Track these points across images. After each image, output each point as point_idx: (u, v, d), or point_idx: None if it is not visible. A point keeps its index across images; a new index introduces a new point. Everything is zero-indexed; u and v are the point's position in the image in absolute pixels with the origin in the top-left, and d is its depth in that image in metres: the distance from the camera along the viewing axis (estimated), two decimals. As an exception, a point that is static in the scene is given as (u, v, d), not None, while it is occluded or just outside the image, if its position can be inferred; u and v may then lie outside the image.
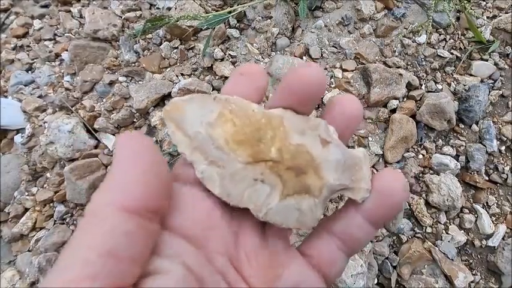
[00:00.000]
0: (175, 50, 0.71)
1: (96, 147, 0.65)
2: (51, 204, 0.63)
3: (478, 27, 0.73)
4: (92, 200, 0.16)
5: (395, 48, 0.72)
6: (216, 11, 0.71)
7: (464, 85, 0.70)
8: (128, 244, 0.15)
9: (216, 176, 0.19)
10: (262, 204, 0.19)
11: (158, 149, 0.19)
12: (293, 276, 0.20)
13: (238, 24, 0.73)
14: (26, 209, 0.63)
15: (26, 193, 0.64)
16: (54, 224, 0.62)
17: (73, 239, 0.15)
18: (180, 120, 0.20)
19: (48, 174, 0.64)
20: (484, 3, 0.77)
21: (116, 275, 0.14)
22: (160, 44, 0.71)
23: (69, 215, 0.63)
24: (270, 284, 0.20)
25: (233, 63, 0.70)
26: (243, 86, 0.21)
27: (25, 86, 0.69)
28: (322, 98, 0.67)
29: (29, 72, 0.70)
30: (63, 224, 0.63)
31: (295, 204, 0.20)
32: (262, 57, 0.71)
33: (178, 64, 0.71)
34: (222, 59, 0.70)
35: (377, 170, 0.65)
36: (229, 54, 0.70)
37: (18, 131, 0.67)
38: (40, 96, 0.68)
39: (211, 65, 0.70)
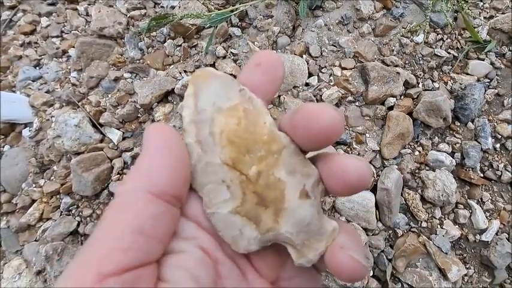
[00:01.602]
0: (178, 48, 0.73)
1: (101, 141, 0.67)
2: (58, 195, 0.65)
3: (475, 27, 0.75)
4: (124, 183, 0.18)
5: (393, 47, 0.74)
6: (219, 9, 0.73)
7: (461, 84, 0.71)
8: (155, 225, 0.17)
9: (195, 155, 0.19)
10: (214, 205, 0.19)
11: (183, 141, 0.19)
12: (293, 265, 0.21)
13: (240, 22, 0.75)
14: (33, 200, 0.65)
15: (34, 185, 0.66)
16: (61, 215, 0.65)
17: (106, 217, 0.17)
18: (199, 89, 0.20)
19: (55, 167, 0.66)
20: (481, 3, 0.79)
21: (144, 251, 0.16)
22: (164, 41, 0.73)
23: (75, 206, 0.65)
24: (275, 270, 0.22)
25: (235, 61, 0.72)
26: (257, 77, 0.20)
27: (33, 81, 0.71)
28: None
29: (37, 68, 0.73)
30: (69, 215, 0.65)
31: (240, 224, 0.19)
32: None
33: (181, 61, 0.73)
34: (224, 57, 0.72)
35: (374, 166, 0.67)
36: (231, 52, 0.72)
37: (26, 124, 0.69)
38: (48, 92, 0.70)
39: (214, 62, 0.71)
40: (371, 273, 0.62)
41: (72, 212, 0.65)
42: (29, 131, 0.68)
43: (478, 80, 0.73)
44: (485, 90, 0.71)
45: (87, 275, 0.15)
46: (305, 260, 0.19)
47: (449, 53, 0.74)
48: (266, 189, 0.19)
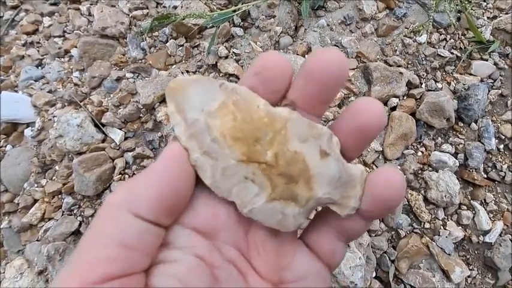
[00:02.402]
0: (180, 48, 0.73)
1: (103, 141, 0.67)
2: (60, 195, 0.65)
3: (478, 28, 0.74)
4: (113, 194, 0.18)
5: (396, 48, 0.74)
6: (221, 9, 0.73)
7: (464, 84, 0.71)
8: (138, 240, 0.17)
9: (208, 167, 0.19)
10: (248, 202, 0.20)
11: (187, 161, 0.19)
12: (299, 266, 0.21)
13: (242, 22, 0.75)
14: (35, 200, 0.65)
15: (36, 185, 0.66)
16: (62, 215, 0.64)
17: (92, 227, 0.17)
18: (181, 102, 0.19)
19: (57, 167, 0.66)
20: (485, 3, 0.78)
21: (128, 262, 0.17)
22: (167, 41, 0.73)
23: (77, 206, 0.65)
24: (277, 273, 0.21)
25: (237, 61, 0.72)
26: (256, 88, 0.19)
27: (35, 81, 0.71)
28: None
29: (39, 67, 0.73)
30: (71, 215, 0.65)
31: (280, 208, 0.20)
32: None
33: (183, 61, 0.73)
34: (226, 57, 0.72)
35: (376, 167, 0.67)
36: (233, 52, 0.72)
37: (28, 124, 0.69)
38: (50, 91, 0.70)
39: (216, 62, 0.71)
40: (373, 275, 0.62)
41: (74, 212, 0.65)
42: (31, 130, 0.68)
43: (482, 81, 0.72)
44: (489, 91, 0.71)
45: (70, 284, 0.15)
46: (349, 209, 0.20)
47: (452, 53, 0.73)
48: (289, 166, 0.19)
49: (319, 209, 0.23)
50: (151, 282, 0.17)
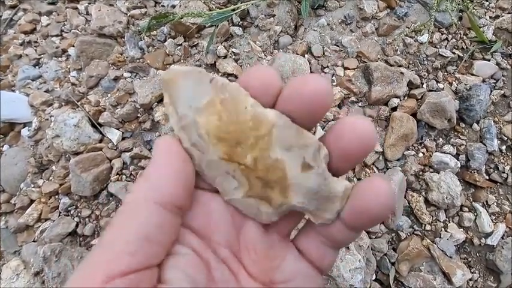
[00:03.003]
0: (179, 47, 0.72)
1: (100, 141, 0.67)
2: (57, 196, 0.65)
3: (480, 27, 0.73)
4: (132, 192, 0.19)
5: (397, 47, 0.73)
6: (220, 8, 0.72)
7: (466, 84, 0.70)
8: (159, 232, 0.18)
9: (196, 157, 0.21)
10: (229, 192, 0.21)
11: (187, 155, 0.20)
12: (289, 267, 0.22)
13: (241, 22, 0.74)
14: (32, 201, 0.65)
15: (32, 185, 0.65)
16: (59, 215, 0.64)
17: (114, 223, 0.18)
18: (173, 95, 0.20)
19: (53, 167, 0.66)
20: (487, 3, 0.77)
21: (148, 255, 0.18)
22: (165, 40, 0.72)
23: (74, 207, 0.64)
24: (268, 274, 0.21)
25: (236, 60, 0.71)
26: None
27: (32, 80, 0.70)
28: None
29: (36, 67, 0.72)
30: (68, 215, 0.64)
31: (255, 204, 0.21)
32: (265, 55, 0.72)
33: (182, 61, 0.72)
34: (225, 56, 0.71)
35: (377, 168, 0.66)
36: (232, 52, 0.71)
37: (25, 124, 0.68)
38: (47, 91, 0.69)
39: (214, 61, 0.71)
40: (373, 277, 0.61)
41: (71, 212, 0.64)
42: (28, 130, 0.67)
43: (484, 81, 0.71)
44: (491, 91, 0.70)
45: (95, 276, 0.16)
46: (323, 220, 0.20)
47: (454, 53, 0.72)
48: (267, 173, 0.19)
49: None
50: (162, 275, 0.18)
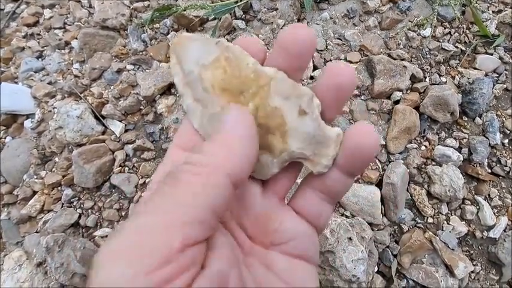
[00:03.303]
0: (182, 40, 0.72)
1: (103, 133, 0.67)
2: (59, 187, 0.65)
3: (483, 21, 0.73)
4: (204, 154, 0.18)
5: (399, 41, 0.73)
6: (222, 1, 0.72)
7: (469, 78, 0.70)
8: (223, 207, 0.17)
9: (198, 113, 0.22)
10: None
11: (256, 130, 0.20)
12: (288, 228, 0.22)
13: (244, 15, 0.74)
14: (35, 192, 0.65)
15: (35, 176, 0.65)
16: (62, 207, 0.64)
17: (188, 182, 0.17)
18: (181, 55, 0.22)
19: (56, 159, 0.66)
20: (490, -3, 0.77)
21: (212, 227, 0.17)
22: (168, 33, 0.72)
23: (77, 198, 0.65)
24: (268, 236, 0.22)
25: (239, 53, 0.71)
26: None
27: (35, 72, 0.70)
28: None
29: (39, 59, 0.72)
30: (71, 207, 0.64)
31: None
32: (268, 49, 0.72)
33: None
34: (228, 49, 0.71)
35: (379, 160, 0.66)
36: (235, 45, 0.71)
37: (28, 116, 0.68)
38: (50, 83, 0.69)
39: (217, 54, 0.70)
40: (376, 269, 0.61)
41: (74, 204, 0.64)
42: (31, 122, 0.67)
43: (486, 75, 0.71)
44: (494, 85, 0.70)
45: (173, 241, 0.15)
46: (320, 166, 0.21)
47: (457, 47, 0.72)
48: (267, 119, 0.20)
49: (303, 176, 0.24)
50: None
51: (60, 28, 0.74)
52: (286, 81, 0.20)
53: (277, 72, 0.20)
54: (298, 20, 0.74)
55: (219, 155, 0.18)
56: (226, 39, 0.71)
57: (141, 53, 0.71)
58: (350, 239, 0.55)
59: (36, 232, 0.63)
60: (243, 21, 0.73)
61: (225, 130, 0.19)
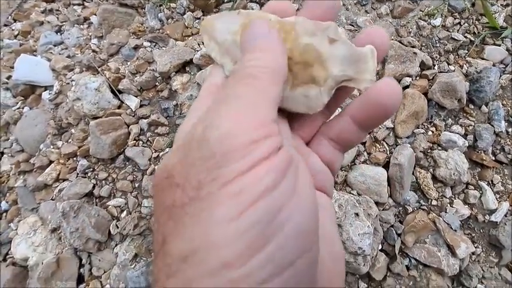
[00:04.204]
0: (197, 21, 0.74)
1: (119, 107, 0.68)
2: (75, 158, 0.67)
3: (492, 14, 0.75)
4: (261, 61, 0.20)
5: (410, 29, 0.75)
6: (240, -16, 0.74)
7: (476, 68, 0.72)
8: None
9: None
10: None
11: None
12: (313, 166, 0.24)
13: (259, -2, 0.76)
14: (51, 161, 0.66)
15: (52, 146, 0.67)
16: (77, 176, 0.66)
17: (258, 80, 0.19)
18: (211, 32, 0.24)
19: (73, 130, 0.68)
20: (500, -10, 0.79)
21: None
22: (184, 13, 0.74)
23: (91, 169, 0.66)
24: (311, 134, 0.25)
25: (253, 35, 0.73)
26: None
27: (54, 46, 0.72)
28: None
29: (58, 33, 0.74)
30: (85, 177, 0.66)
31: (303, 92, 0.23)
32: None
33: (200, 34, 0.74)
34: (242, 31, 0.73)
35: (387, 143, 0.68)
36: (250, 27, 0.73)
37: (46, 87, 0.70)
38: (68, 56, 0.71)
39: (232, 35, 0.72)
40: (380, 247, 0.63)
41: (88, 174, 0.66)
42: (49, 94, 0.69)
43: (494, 65, 0.73)
44: (500, 75, 0.72)
45: (270, 112, 0.18)
46: (366, 82, 0.22)
47: (466, 37, 0.74)
48: (303, 56, 0.22)
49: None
50: None
51: (78, 4, 0.76)
52: (307, 21, 0.22)
53: (297, 18, 0.22)
54: (312, 6, 0.76)
55: (266, 56, 0.20)
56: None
57: (157, 31, 0.73)
58: (357, 214, 0.57)
59: (52, 199, 0.65)
60: (257, 4, 0.75)
61: (257, 41, 0.21)
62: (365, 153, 0.66)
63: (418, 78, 0.71)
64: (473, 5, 0.77)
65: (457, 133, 0.68)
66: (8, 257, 0.63)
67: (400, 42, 0.72)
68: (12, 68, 0.69)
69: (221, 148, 0.16)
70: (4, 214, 0.66)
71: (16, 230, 0.64)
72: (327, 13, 0.23)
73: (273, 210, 0.15)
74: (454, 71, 0.72)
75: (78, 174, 0.66)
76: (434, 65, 0.72)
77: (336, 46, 0.22)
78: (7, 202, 0.67)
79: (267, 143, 0.16)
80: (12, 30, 0.75)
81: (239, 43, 0.23)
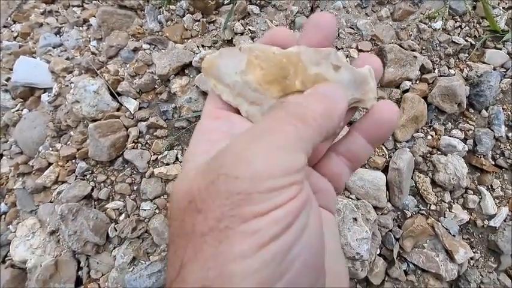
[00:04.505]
0: (197, 23, 0.74)
1: (118, 109, 0.68)
2: (74, 160, 0.67)
3: (493, 17, 0.74)
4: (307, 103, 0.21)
5: (411, 32, 0.74)
6: (239, -14, 0.74)
7: (477, 72, 0.71)
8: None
9: (257, 112, 0.24)
10: None
11: None
12: (316, 183, 0.24)
13: (258, 1, 0.75)
14: (50, 163, 0.66)
15: (50, 148, 0.67)
16: (76, 179, 0.66)
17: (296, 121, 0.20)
18: (217, 75, 0.24)
19: (71, 132, 0.68)
20: (501, -7, 0.78)
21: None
22: (183, 15, 0.74)
23: (90, 172, 0.66)
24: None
25: (252, 38, 0.73)
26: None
27: (53, 48, 0.72)
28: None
29: (57, 35, 0.74)
30: (84, 179, 0.66)
31: None
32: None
33: (199, 36, 0.73)
34: (241, 33, 0.72)
35: (386, 148, 0.67)
36: (249, 29, 0.73)
37: (45, 90, 0.70)
38: (67, 59, 0.71)
39: (231, 38, 0.72)
40: (378, 252, 0.63)
41: (87, 177, 0.66)
42: (48, 96, 0.69)
43: (494, 69, 0.73)
44: (501, 79, 0.71)
45: (301, 156, 0.19)
46: (371, 100, 0.24)
47: (466, 40, 0.74)
48: (315, 84, 0.23)
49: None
50: None
51: (78, 6, 0.76)
52: (309, 50, 0.23)
53: (299, 47, 0.23)
54: (312, 8, 0.76)
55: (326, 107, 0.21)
56: (241, 23, 0.73)
57: (157, 33, 0.72)
58: (355, 219, 0.57)
59: (50, 202, 0.65)
60: (258, 7, 0.75)
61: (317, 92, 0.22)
62: (364, 157, 0.66)
63: (418, 82, 0.70)
64: (474, 8, 0.77)
65: (457, 137, 0.68)
66: (6, 259, 0.63)
67: (400, 45, 0.72)
68: (12, 69, 0.69)
69: (248, 189, 0.16)
70: (3, 216, 0.66)
71: (15, 232, 0.64)
72: (324, 40, 0.23)
73: (285, 250, 0.16)
74: (454, 74, 0.71)
75: (76, 176, 0.66)
76: (434, 69, 0.72)
77: (341, 72, 0.23)
78: (6, 204, 0.67)
79: (291, 190, 0.17)
80: (12, 31, 0.75)
81: (250, 83, 0.23)
